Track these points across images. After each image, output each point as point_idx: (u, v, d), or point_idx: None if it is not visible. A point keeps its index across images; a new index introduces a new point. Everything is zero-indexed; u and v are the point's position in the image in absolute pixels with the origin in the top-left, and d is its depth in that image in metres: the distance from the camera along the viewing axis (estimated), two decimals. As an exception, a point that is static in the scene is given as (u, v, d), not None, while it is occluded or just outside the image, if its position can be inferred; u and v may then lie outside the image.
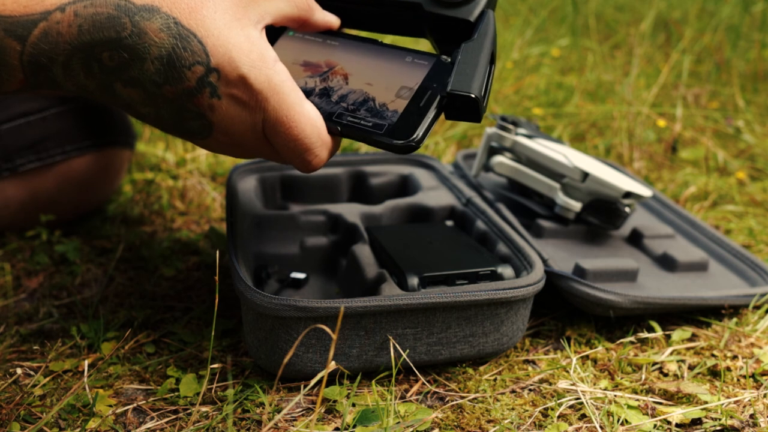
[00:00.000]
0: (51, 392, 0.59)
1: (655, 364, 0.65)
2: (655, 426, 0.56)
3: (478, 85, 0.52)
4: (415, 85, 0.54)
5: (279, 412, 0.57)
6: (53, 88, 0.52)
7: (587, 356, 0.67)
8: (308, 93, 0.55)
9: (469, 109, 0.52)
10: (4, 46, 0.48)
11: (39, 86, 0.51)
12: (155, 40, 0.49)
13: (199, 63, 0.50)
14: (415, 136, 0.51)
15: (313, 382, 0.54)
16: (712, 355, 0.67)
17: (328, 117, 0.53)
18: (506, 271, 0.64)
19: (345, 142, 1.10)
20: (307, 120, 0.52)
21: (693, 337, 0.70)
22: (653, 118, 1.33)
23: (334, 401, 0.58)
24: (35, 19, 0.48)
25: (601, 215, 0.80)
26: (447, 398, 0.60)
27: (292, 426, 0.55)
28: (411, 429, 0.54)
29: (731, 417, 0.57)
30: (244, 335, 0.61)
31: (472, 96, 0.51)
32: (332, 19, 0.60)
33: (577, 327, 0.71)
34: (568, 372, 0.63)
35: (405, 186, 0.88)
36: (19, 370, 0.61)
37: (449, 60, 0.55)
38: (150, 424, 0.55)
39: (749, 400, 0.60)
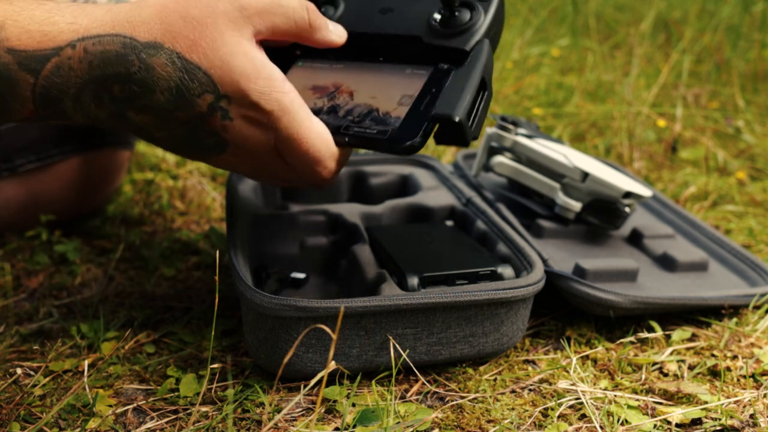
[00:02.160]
0: (51, 392, 0.59)
1: (655, 364, 0.65)
2: (655, 426, 0.56)
3: (463, 109, 0.53)
4: (416, 92, 0.56)
5: (279, 412, 0.57)
6: (62, 119, 0.53)
7: (587, 356, 0.66)
8: (317, 112, 0.57)
9: (455, 133, 0.53)
10: (17, 78, 0.50)
11: (48, 117, 0.53)
12: (162, 74, 0.50)
13: (207, 92, 0.51)
14: (416, 137, 0.53)
15: (313, 382, 0.54)
16: (712, 355, 0.67)
17: (335, 131, 0.56)
18: (506, 271, 0.64)
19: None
20: (316, 135, 0.54)
21: (693, 337, 0.70)
22: (653, 118, 1.33)
23: (334, 401, 0.58)
24: (48, 54, 0.50)
25: (601, 215, 0.80)
26: (447, 398, 0.60)
27: (292, 426, 0.55)
28: (411, 429, 0.54)
29: (731, 417, 0.57)
30: (244, 335, 0.61)
31: (455, 119, 0.52)
32: (335, 38, 0.59)
33: (577, 327, 0.71)
34: (568, 372, 0.63)
35: (405, 186, 0.88)
36: (19, 370, 0.61)
37: (446, 66, 0.56)
38: (150, 424, 0.55)
39: (749, 400, 0.60)
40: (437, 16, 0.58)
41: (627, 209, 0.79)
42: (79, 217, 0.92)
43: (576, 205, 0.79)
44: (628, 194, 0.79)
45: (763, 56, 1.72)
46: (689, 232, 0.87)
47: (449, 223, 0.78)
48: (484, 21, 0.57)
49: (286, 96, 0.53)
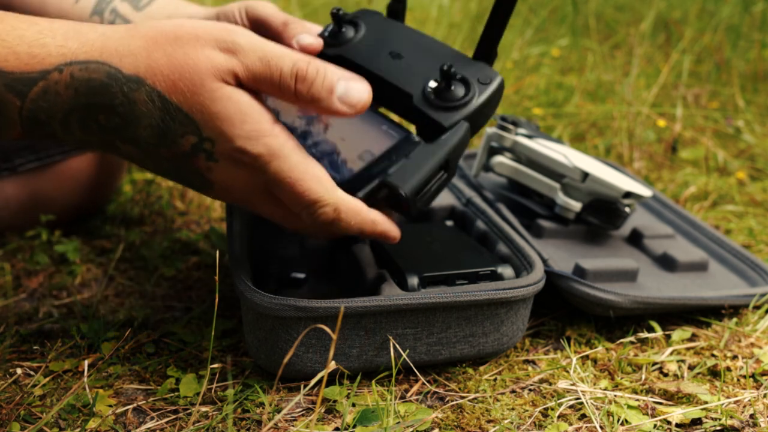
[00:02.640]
0: (51, 392, 0.59)
1: (655, 364, 0.65)
2: (655, 426, 0.56)
3: (413, 185, 0.53)
4: (378, 152, 0.57)
5: (279, 412, 0.57)
6: (54, 140, 0.53)
7: (587, 356, 0.66)
8: (292, 130, 0.57)
9: (399, 203, 0.54)
10: (4, 100, 0.49)
11: (38, 138, 0.52)
12: (143, 110, 0.49)
13: (190, 133, 0.50)
14: (357, 193, 0.54)
15: (313, 382, 0.54)
16: (712, 355, 0.67)
17: None
18: (506, 271, 0.64)
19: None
20: (311, 177, 0.52)
21: (693, 337, 0.70)
22: (653, 118, 1.33)
23: (334, 401, 0.58)
24: (35, 77, 0.48)
25: (601, 215, 0.80)
26: (447, 398, 0.60)
27: (292, 426, 0.55)
28: (411, 429, 0.54)
29: (731, 417, 0.57)
30: (244, 335, 0.61)
31: (402, 193, 0.53)
32: (340, 108, 0.52)
33: (577, 327, 0.71)
34: (568, 372, 0.63)
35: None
36: (19, 370, 0.61)
37: (417, 139, 0.57)
38: (150, 424, 0.55)
39: (749, 400, 0.60)
40: (433, 84, 0.57)
41: (627, 209, 0.79)
42: (79, 217, 0.92)
43: (576, 205, 0.79)
44: (628, 194, 0.79)
45: (763, 56, 1.72)
46: (689, 232, 0.87)
47: (449, 223, 0.78)
48: (474, 103, 0.56)
49: (275, 139, 0.50)
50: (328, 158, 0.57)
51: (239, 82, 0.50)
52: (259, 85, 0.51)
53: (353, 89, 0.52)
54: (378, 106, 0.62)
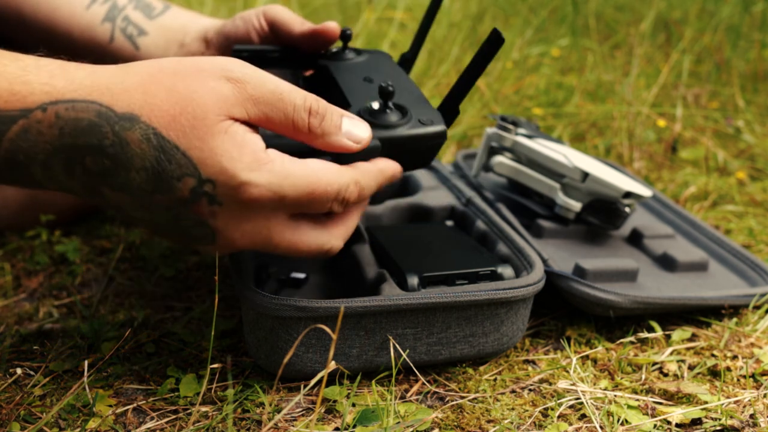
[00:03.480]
0: (51, 392, 0.59)
1: (655, 364, 0.65)
2: (655, 426, 0.56)
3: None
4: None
5: (279, 412, 0.57)
6: (33, 186, 0.49)
7: (587, 356, 0.67)
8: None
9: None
10: None
11: (16, 183, 0.48)
12: (137, 151, 0.46)
13: (188, 175, 0.46)
14: None
15: (313, 382, 0.54)
16: (712, 355, 0.67)
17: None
18: (506, 271, 0.64)
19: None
20: (323, 174, 0.50)
21: (693, 337, 0.70)
22: (653, 118, 1.33)
23: (334, 401, 0.58)
24: (14, 115, 0.45)
25: (601, 215, 0.80)
26: (447, 398, 0.60)
27: (292, 426, 0.55)
28: (411, 429, 0.54)
29: (731, 417, 0.57)
30: (244, 335, 0.61)
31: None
32: (345, 144, 0.53)
33: (577, 327, 0.71)
34: (568, 372, 0.63)
35: (405, 186, 0.88)
36: (19, 370, 0.61)
37: None
38: (150, 424, 0.55)
39: (749, 400, 0.60)
40: (375, 105, 0.57)
41: (627, 209, 0.79)
42: (79, 217, 0.92)
43: (576, 205, 0.79)
44: (628, 194, 0.79)
45: (763, 56, 1.72)
46: (689, 232, 0.87)
47: (449, 223, 0.78)
48: (397, 132, 0.56)
49: (277, 164, 0.48)
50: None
51: (243, 116, 0.48)
52: (269, 117, 0.49)
53: (357, 126, 0.53)
54: None
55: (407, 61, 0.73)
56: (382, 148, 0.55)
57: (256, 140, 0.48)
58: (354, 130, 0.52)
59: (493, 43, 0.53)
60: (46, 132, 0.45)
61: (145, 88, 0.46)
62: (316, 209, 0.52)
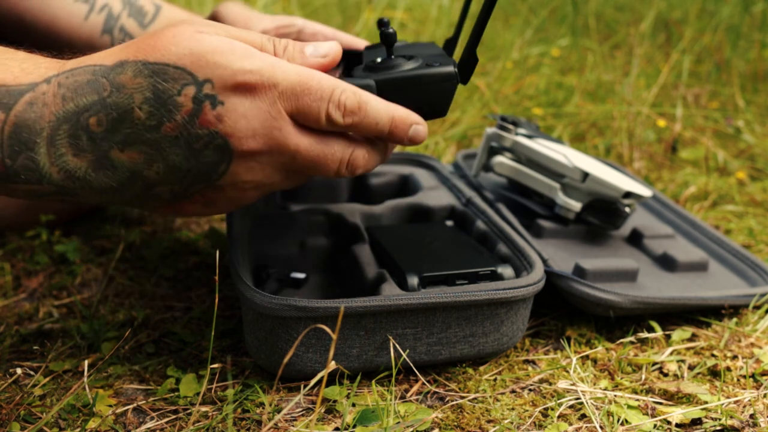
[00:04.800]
0: (51, 392, 0.59)
1: (655, 364, 0.65)
2: (655, 426, 0.56)
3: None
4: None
5: (279, 412, 0.57)
6: (34, 177, 0.49)
7: (587, 356, 0.67)
8: None
9: None
10: None
11: (19, 174, 0.49)
12: (134, 87, 0.48)
13: (186, 84, 0.48)
14: None
15: (313, 382, 0.54)
16: (712, 355, 0.67)
17: None
18: (506, 271, 0.64)
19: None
20: (315, 72, 0.51)
21: (693, 337, 0.70)
22: (653, 118, 1.33)
23: (334, 401, 0.58)
24: (23, 89, 0.48)
25: (601, 215, 0.80)
26: (447, 398, 0.60)
27: (292, 426, 0.55)
28: (411, 429, 0.54)
29: (731, 417, 0.57)
30: (244, 335, 0.61)
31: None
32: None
33: (577, 327, 0.71)
34: (568, 372, 0.63)
35: (405, 186, 0.88)
36: (19, 370, 0.61)
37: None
38: (150, 424, 0.55)
39: (749, 400, 0.60)
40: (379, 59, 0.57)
41: (627, 209, 0.79)
42: (79, 217, 0.92)
43: (576, 205, 0.79)
44: (628, 194, 0.79)
45: (763, 56, 1.72)
46: (689, 232, 0.87)
47: (449, 223, 0.78)
48: (395, 72, 0.55)
49: (267, 56, 0.51)
50: None
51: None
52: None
53: (320, 45, 0.55)
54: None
55: (450, 42, 0.71)
56: (384, 89, 0.55)
57: (240, 32, 0.52)
58: (318, 48, 0.54)
59: None
60: (50, 102, 0.48)
61: (128, 44, 0.51)
62: (313, 111, 0.51)
